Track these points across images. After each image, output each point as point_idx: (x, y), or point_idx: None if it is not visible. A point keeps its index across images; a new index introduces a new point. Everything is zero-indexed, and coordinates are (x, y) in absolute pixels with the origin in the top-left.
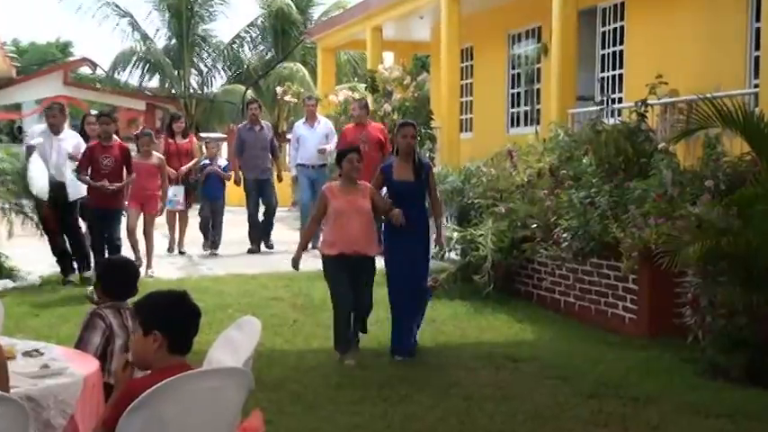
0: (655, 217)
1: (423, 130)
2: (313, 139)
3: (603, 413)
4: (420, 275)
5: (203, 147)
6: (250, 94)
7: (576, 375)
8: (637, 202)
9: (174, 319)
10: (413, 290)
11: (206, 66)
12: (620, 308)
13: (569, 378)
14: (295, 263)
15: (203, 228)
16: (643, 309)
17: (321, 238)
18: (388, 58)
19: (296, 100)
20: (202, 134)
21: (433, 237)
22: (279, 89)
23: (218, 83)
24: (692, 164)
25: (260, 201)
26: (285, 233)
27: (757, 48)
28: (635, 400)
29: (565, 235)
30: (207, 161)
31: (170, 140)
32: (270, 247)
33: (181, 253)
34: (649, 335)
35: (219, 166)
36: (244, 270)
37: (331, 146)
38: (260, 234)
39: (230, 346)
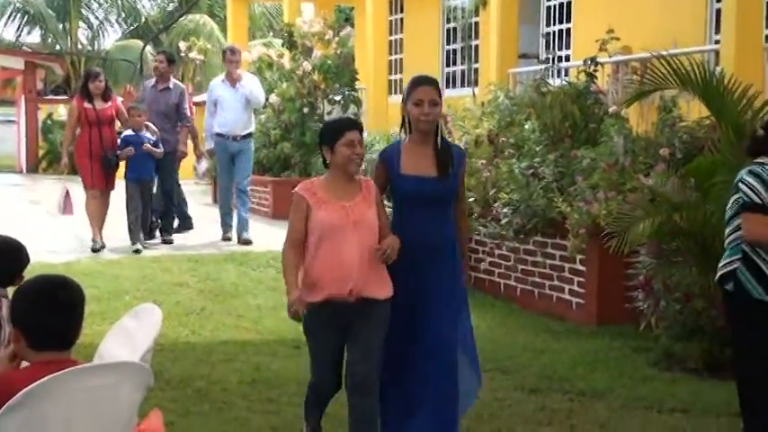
0: (604, 190)
1: (346, 93)
2: (235, 101)
3: (547, 409)
4: (443, 338)
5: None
6: (149, 50)
7: (517, 368)
8: (585, 173)
9: (30, 314)
10: (433, 366)
11: (97, 18)
12: (566, 292)
13: (510, 371)
14: (299, 305)
15: (134, 223)
16: (591, 293)
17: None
18: (308, 9)
19: (202, 57)
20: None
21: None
22: (183, 45)
23: (111, 38)
24: (645, 130)
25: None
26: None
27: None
28: (582, 395)
29: (505, 210)
30: (131, 133)
31: (86, 105)
32: (167, 242)
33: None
34: (598, 322)
35: (148, 141)
36: (143, 252)
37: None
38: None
39: (125, 338)
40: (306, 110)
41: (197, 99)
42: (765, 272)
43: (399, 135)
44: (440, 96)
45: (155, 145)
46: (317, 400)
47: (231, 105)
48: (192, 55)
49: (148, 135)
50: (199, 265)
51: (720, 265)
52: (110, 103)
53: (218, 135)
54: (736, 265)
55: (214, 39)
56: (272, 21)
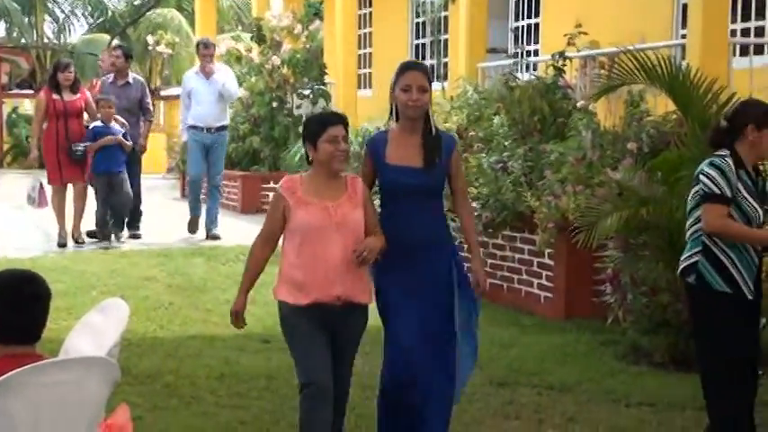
0: (573, 184)
1: (315, 87)
2: (209, 93)
3: (516, 403)
4: (433, 347)
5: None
6: (116, 44)
7: (485, 361)
8: (553, 167)
9: None
10: (429, 350)
11: (63, 12)
12: (534, 286)
13: (478, 365)
14: (236, 316)
15: (103, 219)
16: (560, 287)
17: (278, 275)
18: (277, 3)
19: (170, 51)
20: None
21: (459, 269)
22: (150, 39)
23: (78, 32)
24: (613, 124)
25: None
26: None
27: None
28: (550, 389)
29: (474, 204)
30: (100, 125)
31: (54, 97)
32: (136, 237)
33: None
34: (566, 316)
35: (118, 133)
36: (112, 247)
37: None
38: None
39: (91, 333)
40: (275, 104)
41: (165, 93)
42: (726, 263)
43: (387, 124)
44: (429, 83)
45: (124, 137)
46: (316, 415)
47: (205, 98)
48: (160, 49)
49: (118, 127)
50: (167, 260)
51: (683, 258)
52: (78, 95)
53: (193, 127)
54: (697, 258)
55: (182, 33)
56: (240, 14)
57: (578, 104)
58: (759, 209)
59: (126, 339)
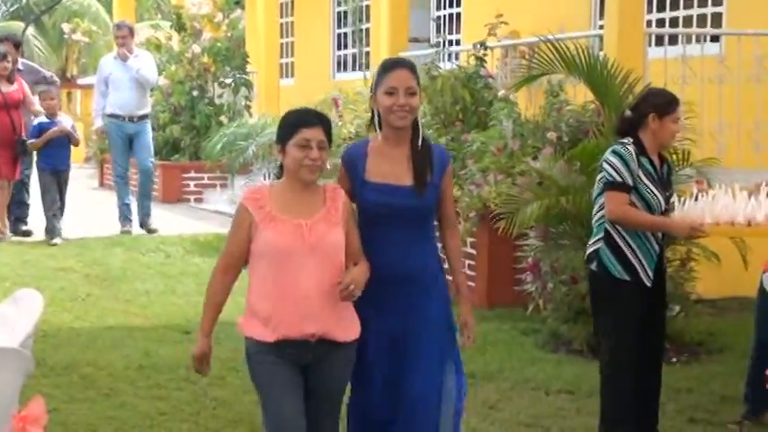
0: (494, 173)
1: (237, 76)
2: (128, 80)
3: None
4: (420, 401)
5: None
6: (30, 32)
7: None
8: (475, 157)
9: None
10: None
11: None
12: None
13: None
14: (200, 361)
15: (51, 213)
16: (482, 276)
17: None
18: None
19: (87, 39)
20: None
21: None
22: (66, 26)
23: None
24: (534, 113)
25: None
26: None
27: None
28: (472, 377)
29: None
30: (45, 120)
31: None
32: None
33: None
34: (489, 305)
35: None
36: (25, 237)
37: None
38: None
39: (3, 324)
40: (195, 93)
41: (82, 81)
42: (625, 251)
43: (371, 133)
44: (418, 83)
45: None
46: None
47: (124, 84)
48: (77, 37)
49: (64, 121)
50: (85, 251)
51: (588, 244)
52: (16, 86)
53: (113, 116)
54: (599, 245)
55: (100, 20)
56: (160, 2)
57: (499, 94)
58: (660, 196)
59: (41, 331)
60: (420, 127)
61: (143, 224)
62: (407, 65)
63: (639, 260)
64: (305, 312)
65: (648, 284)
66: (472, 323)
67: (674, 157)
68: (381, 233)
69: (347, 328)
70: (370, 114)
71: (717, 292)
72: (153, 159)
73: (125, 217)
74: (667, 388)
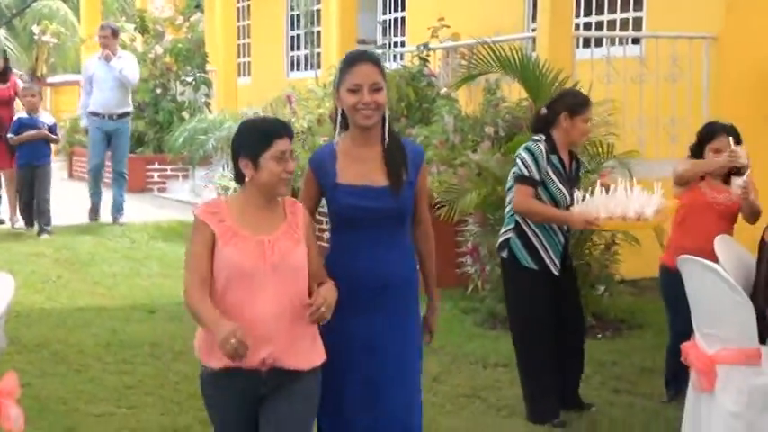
0: (437, 164)
1: (197, 74)
2: (110, 79)
3: None
4: (395, 419)
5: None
6: (2, 34)
7: None
8: None
9: None
10: None
11: None
12: None
13: None
14: (233, 348)
15: (27, 208)
16: None
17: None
18: None
19: (56, 40)
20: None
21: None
22: (36, 28)
23: None
24: (473, 110)
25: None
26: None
27: None
28: None
29: None
30: (25, 116)
31: None
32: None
33: None
34: None
35: (43, 125)
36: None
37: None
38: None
39: None
40: (158, 90)
41: (51, 80)
42: (533, 242)
43: (335, 135)
44: (384, 77)
45: (51, 129)
46: None
47: (107, 84)
48: (46, 38)
49: (44, 118)
50: (55, 237)
51: (500, 233)
52: (8, 84)
53: (94, 114)
54: (510, 235)
55: (68, 23)
56: (124, 6)
57: (441, 92)
58: (566, 192)
59: (13, 311)
60: (387, 123)
61: (114, 219)
62: (372, 58)
63: (547, 251)
64: (257, 336)
65: (556, 273)
66: (434, 330)
67: (599, 149)
68: (355, 238)
69: (306, 354)
70: (322, 110)
71: (637, 273)
72: (126, 160)
73: (95, 208)
74: (593, 361)
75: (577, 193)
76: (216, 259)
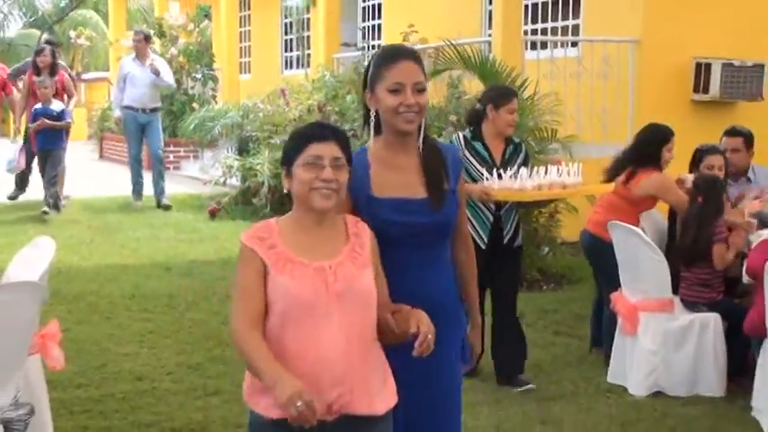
0: None
1: (205, 72)
2: (145, 78)
3: None
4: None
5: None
6: (46, 37)
7: None
8: None
9: None
10: None
11: (2, 12)
12: None
13: None
14: (300, 413)
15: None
16: None
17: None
18: (174, 7)
19: (89, 43)
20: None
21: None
22: (73, 33)
23: (13, 28)
24: (438, 101)
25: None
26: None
27: (490, 3)
28: None
29: None
30: (39, 106)
31: (34, 78)
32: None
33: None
34: None
35: (54, 113)
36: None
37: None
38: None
39: (26, 264)
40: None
41: (85, 77)
42: (475, 224)
43: (364, 137)
44: (425, 76)
45: (58, 117)
46: None
47: (142, 81)
48: (80, 42)
49: (55, 107)
50: (88, 208)
51: None
52: (56, 78)
53: (130, 108)
54: None
55: (99, 29)
56: (145, 15)
57: None
58: (486, 173)
59: (55, 268)
60: (425, 126)
61: (159, 202)
62: (413, 54)
63: (475, 227)
64: (326, 378)
65: (483, 247)
66: (476, 352)
67: (545, 134)
68: (392, 258)
69: (380, 396)
70: (311, 102)
71: (576, 236)
72: (162, 146)
73: (138, 194)
74: (538, 309)
75: (505, 174)
76: (269, 290)
